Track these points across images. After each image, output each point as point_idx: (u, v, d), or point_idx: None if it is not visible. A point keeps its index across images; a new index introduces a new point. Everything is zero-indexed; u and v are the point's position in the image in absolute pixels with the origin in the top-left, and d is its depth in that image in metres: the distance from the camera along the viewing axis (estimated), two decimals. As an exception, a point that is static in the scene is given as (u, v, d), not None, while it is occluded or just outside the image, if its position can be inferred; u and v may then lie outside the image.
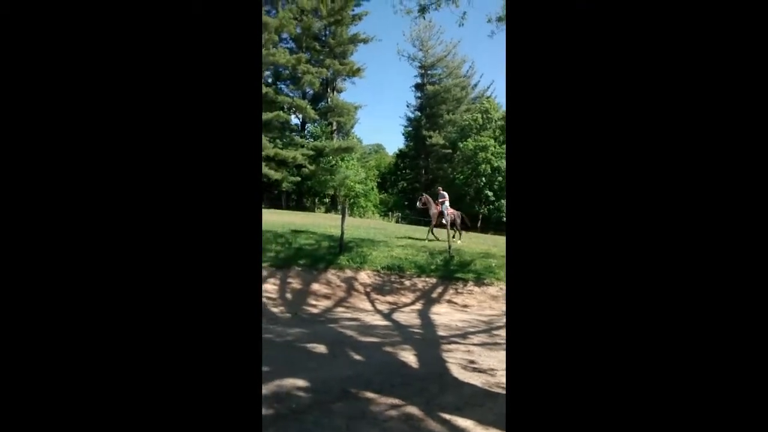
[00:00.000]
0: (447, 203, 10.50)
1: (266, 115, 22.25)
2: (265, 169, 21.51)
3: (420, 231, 11.70)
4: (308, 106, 24.09)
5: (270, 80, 24.94)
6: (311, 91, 25.70)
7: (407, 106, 41.83)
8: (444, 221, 10.22)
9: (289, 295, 5.97)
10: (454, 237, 9.89)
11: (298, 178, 23.61)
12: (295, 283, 6.36)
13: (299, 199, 25.88)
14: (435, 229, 10.43)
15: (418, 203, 11.37)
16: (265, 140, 21.54)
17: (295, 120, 26.15)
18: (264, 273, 6.55)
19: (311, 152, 23.71)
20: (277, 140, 23.19)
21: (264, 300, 5.59)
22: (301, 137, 25.14)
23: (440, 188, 11.66)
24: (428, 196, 10.93)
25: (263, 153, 21.50)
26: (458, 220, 10.45)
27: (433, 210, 10.30)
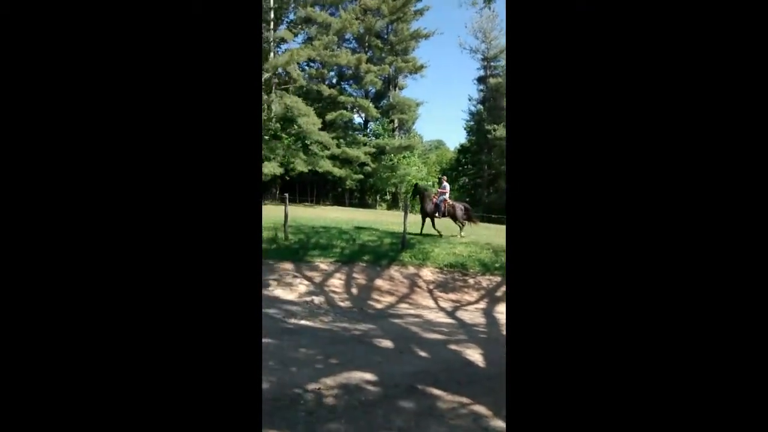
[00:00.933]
0: (446, 195, 9.74)
1: (330, 115, 22.86)
2: (329, 167, 22.14)
3: (483, 228, 11.42)
4: (370, 105, 24.41)
5: (334, 81, 25.60)
6: (373, 90, 26.02)
7: (469, 100, 40.92)
8: (437, 215, 9.57)
9: (354, 290, 6.14)
10: (462, 231, 9.41)
11: (361, 176, 24.04)
12: (360, 279, 6.52)
13: (362, 196, 26.36)
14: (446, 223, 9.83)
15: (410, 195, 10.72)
16: (329, 139, 22.15)
17: (357, 119, 26.65)
18: (331, 267, 6.78)
19: (373, 150, 24.03)
20: (341, 139, 23.77)
21: (331, 294, 5.80)
22: (364, 135, 25.56)
23: (444, 177, 10.81)
24: (423, 188, 10.36)
25: (328, 152, 22.13)
26: (459, 213, 9.49)
27: (429, 205, 9.57)
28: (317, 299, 5.54)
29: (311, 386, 2.58)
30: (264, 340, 3.50)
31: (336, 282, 6.31)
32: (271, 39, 24.04)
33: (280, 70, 23.59)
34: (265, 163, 20.77)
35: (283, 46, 24.53)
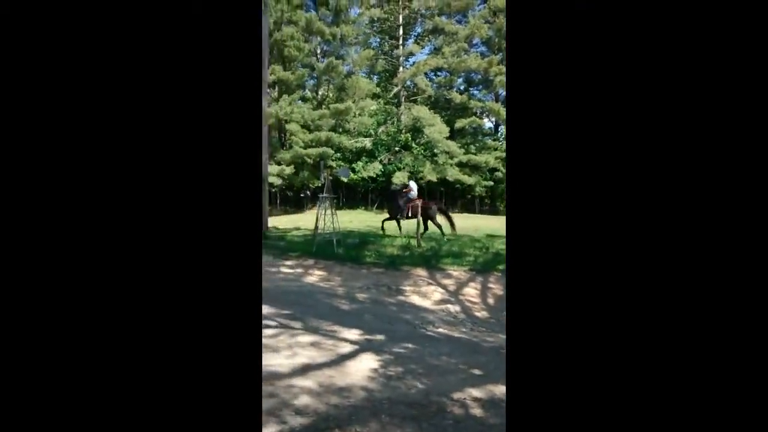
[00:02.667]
0: (412, 194, 9.64)
1: (460, 122, 22.78)
2: (458, 175, 22.03)
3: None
4: (501, 108, 23.63)
5: (462, 87, 25.47)
6: (503, 93, 25.15)
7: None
8: (399, 216, 9.51)
9: (491, 300, 5.94)
10: (422, 232, 9.06)
11: (491, 182, 23.37)
12: (496, 289, 6.28)
13: (492, 202, 25.55)
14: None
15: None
16: (455, 147, 22.07)
17: (488, 124, 26.02)
18: (464, 276, 6.69)
19: (504, 154, 23.15)
20: (471, 146, 23.48)
21: (467, 303, 5.71)
22: (494, 140, 24.83)
23: (410, 181, 10.64)
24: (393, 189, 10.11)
25: (455, 159, 22.06)
26: (432, 213, 9.16)
27: (394, 207, 9.73)
28: (453, 308, 5.50)
29: (456, 395, 2.55)
30: (405, 344, 3.60)
31: (471, 291, 6.18)
32: (400, 54, 25.06)
33: (408, 82, 24.40)
34: (396, 173, 21.63)
35: (411, 59, 25.34)
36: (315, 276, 6.74)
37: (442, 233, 9.23)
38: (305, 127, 21.15)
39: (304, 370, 2.85)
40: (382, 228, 10.08)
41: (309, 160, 20.50)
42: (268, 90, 14.21)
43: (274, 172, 19.21)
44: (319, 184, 13.64)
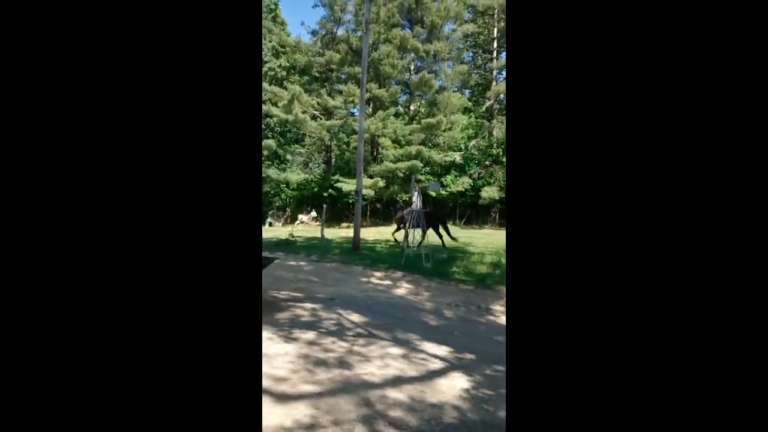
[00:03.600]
0: (415, 205, 10.10)
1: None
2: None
3: None
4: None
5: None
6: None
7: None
8: (402, 226, 9.90)
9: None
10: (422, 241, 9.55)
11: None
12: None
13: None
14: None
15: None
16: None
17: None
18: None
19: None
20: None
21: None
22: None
23: (414, 193, 10.58)
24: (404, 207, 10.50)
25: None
26: (431, 223, 9.79)
27: (398, 216, 10.66)
28: (547, 332, 5.20)
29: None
30: (497, 366, 3.49)
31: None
32: (494, 68, 24.61)
33: (502, 95, 23.81)
34: (485, 188, 21.12)
35: (504, 72, 24.72)
36: (403, 289, 6.83)
37: (444, 245, 9.91)
38: (396, 142, 21.68)
39: (395, 382, 2.90)
40: (396, 240, 11.07)
41: (400, 174, 20.92)
42: (364, 106, 14.92)
43: (367, 185, 19.92)
44: (407, 198, 13.99)
